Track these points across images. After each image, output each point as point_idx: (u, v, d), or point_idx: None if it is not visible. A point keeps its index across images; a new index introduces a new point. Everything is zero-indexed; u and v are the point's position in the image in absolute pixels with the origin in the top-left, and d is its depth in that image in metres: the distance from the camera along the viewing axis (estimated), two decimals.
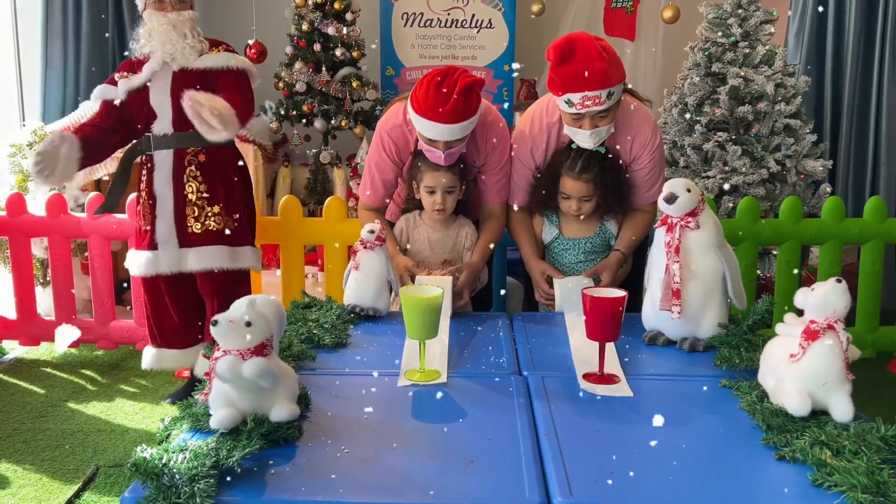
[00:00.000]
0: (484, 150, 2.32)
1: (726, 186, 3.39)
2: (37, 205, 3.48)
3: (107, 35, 4.38)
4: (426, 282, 2.17)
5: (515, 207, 2.39)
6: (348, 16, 4.47)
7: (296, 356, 1.67)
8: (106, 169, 3.92)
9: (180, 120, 2.71)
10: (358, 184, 4.34)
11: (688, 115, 3.85)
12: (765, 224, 3.15)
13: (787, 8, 4.39)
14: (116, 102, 2.76)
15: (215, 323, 1.24)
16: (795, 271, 3.53)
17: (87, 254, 3.54)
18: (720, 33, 3.80)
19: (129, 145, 2.85)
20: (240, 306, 1.28)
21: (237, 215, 2.84)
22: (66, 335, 3.12)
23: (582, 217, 2.29)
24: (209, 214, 2.79)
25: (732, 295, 1.82)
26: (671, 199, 1.78)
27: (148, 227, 2.79)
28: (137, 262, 2.82)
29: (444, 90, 2.07)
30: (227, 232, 2.80)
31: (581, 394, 1.53)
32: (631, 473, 1.19)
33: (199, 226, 2.78)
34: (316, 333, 1.82)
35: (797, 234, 3.15)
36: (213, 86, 2.73)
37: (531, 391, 1.54)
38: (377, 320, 2.06)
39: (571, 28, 4.71)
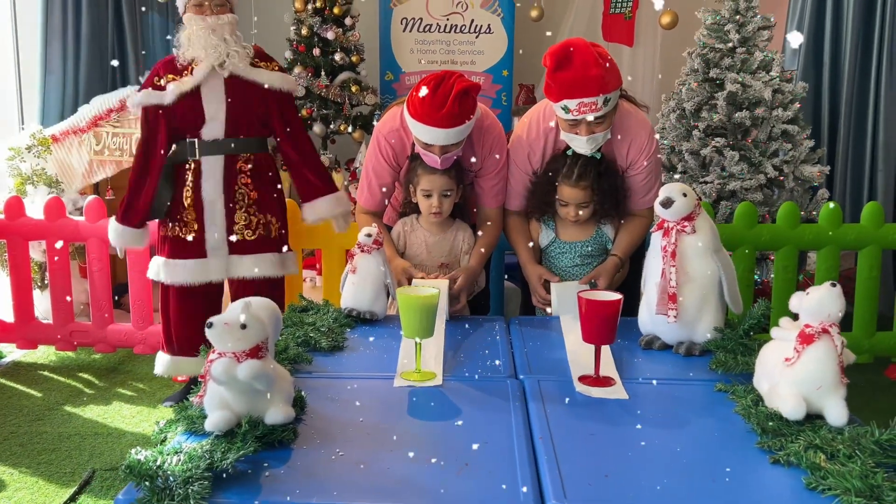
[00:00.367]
0: (481, 154, 2.32)
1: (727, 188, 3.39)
2: (35, 208, 3.49)
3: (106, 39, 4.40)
4: (423, 283, 2.18)
5: (512, 212, 2.40)
6: (347, 20, 4.49)
7: (292, 359, 1.67)
8: (105, 172, 3.93)
9: (234, 125, 2.72)
10: (356, 188, 4.34)
11: (685, 121, 3.85)
12: (762, 229, 3.15)
13: (784, 14, 4.40)
14: (166, 102, 2.72)
15: (210, 325, 1.24)
16: (802, 278, 3.55)
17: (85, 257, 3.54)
18: (718, 39, 3.81)
19: (172, 151, 2.81)
20: (235, 309, 1.28)
21: (281, 223, 2.86)
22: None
23: (579, 222, 2.29)
24: (261, 222, 2.78)
25: (728, 299, 1.83)
26: (667, 204, 1.79)
27: (192, 235, 2.75)
28: (182, 270, 2.76)
29: (440, 94, 2.08)
30: (277, 239, 2.82)
31: (576, 396, 1.53)
32: (625, 476, 1.19)
33: (250, 233, 2.77)
34: (312, 336, 1.83)
35: (794, 239, 3.16)
36: (266, 102, 2.78)
37: (527, 394, 1.55)
38: (374, 324, 2.07)
39: (570, 33, 4.73)
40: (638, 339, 1.89)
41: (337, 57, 4.43)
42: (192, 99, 2.71)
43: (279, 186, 2.88)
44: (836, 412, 1.32)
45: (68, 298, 3.37)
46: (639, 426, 1.39)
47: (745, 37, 3.79)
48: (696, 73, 3.86)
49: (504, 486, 1.16)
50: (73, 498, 2.28)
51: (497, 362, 1.75)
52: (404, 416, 1.45)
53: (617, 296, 1.62)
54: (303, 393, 1.44)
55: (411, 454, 1.26)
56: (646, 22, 4.61)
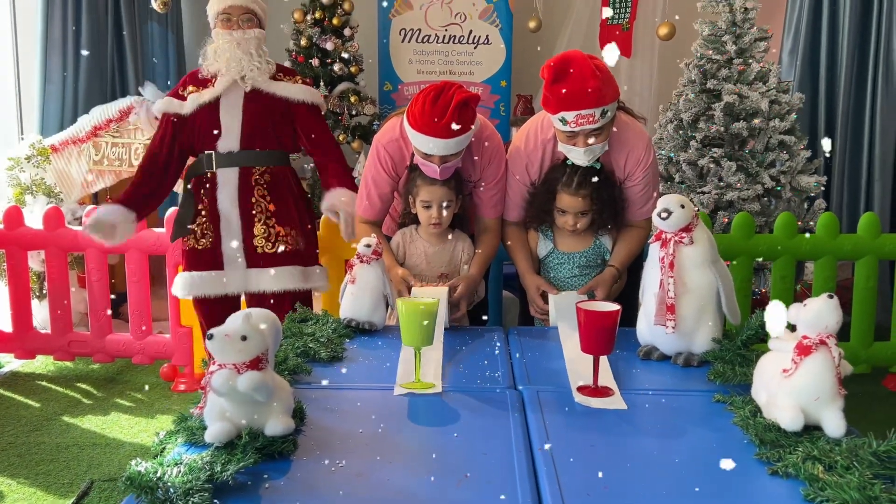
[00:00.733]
0: (480, 164, 2.34)
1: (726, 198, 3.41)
2: (34, 218, 3.49)
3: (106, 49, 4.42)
4: (422, 292, 2.19)
5: (511, 222, 2.41)
6: (347, 31, 4.51)
7: (291, 370, 1.67)
8: (103, 182, 3.95)
9: (249, 138, 2.71)
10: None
11: (683, 131, 3.87)
12: (759, 239, 3.17)
13: (781, 25, 4.43)
14: (183, 112, 2.73)
15: (211, 337, 1.24)
16: (799, 287, 3.56)
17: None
18: (715, 50, 3.84)
19: (190, 164, 2.81)
20: (235, 320, 1.28)
21: (304, 235, 2.81)
22: None
23: (578, 232, 2.30)
24: (280, 234, 2.75)
25: (726, 310, 1.83)
26: (665, 215, 1.79)
27: (209, 247, 2.73)
28: (197, 283, 2.73)
29: (440, 105, 2.09)
30: (298, 252, 2.77)
31: (575, 407, 1.54)
32: (624, 487, 1.19)
33: (269, 245, 2.74)
34: (312, 347, 1.83)
35: (792, 249, 3.17)
36: (289, 115, 2.76)
37: (526, 405, 1.55)
38: (373, 334, 2.07)
39: (568, 44, 4.76)
40: (636, 349, 1.89)
41: (336, 67, 4.45)
42: (210, 111, 2.72)
43: (300, 200, 2.85)
44: (833, 423, 1.32)
45: (64, 303, 3.37)
46: (637, 437, 1.40)
47: (742, 48, 3.82)
48: (694, 84, 3.88)
49: (503, 497, 1.16)
50: None
51: (497, 374, 1.75)
52: (404, 426, 1.45)
53: (615, 306, 1.63)
54: (302, 404, 1.45)
55: (411, 465, 1.26)
56: (643, 33, 4.63)
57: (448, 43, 4.80)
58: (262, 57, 2.75)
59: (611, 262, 2.34)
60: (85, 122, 3.92)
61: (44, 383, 3.34)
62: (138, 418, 2.95)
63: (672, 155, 3.89)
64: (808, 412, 1.34)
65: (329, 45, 4.45)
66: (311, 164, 4.54)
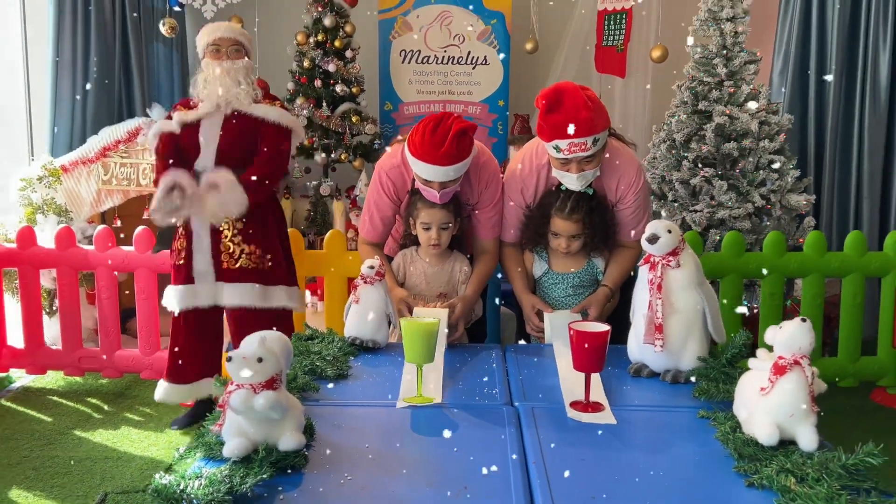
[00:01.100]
0: (477, 188, 2.44)
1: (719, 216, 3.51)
2: (45, 236, 3.59)
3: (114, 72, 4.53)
4: (423, 313, 2.29)
5: (507, 243, 2.52)
6: (348, 53, 4.63)
7: (301, 388, 1.77)
8: (112, 201, 4.05)
9: (222, 158, 2.84)
10: (356, 215, 4.47)
11: (676, 151, 3.98)
12: (749, 258, 3.27)
13: (771, 48, 4.55)
14: (171, 130, 2.89)
15: (230, 359, 1.34)
16: (789, 303, 3.66)
17: (94, 284, 3.65)
18: (706, 73, 3.96)
19: None
20: (251, 344, 1.38)
21: (271, 255, 2.93)
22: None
23: (571, 253, 2.41)
24: (244, 252, 2.88)
25: (712, 330, 1.93)
26: (653, 240, 1.90)
27: (183, 262, 2.89)
28: (177, 296, 2.89)
29: (439, 135, 2.20)
30: (262, 270, 2.89)
31: (568, 422, 1.63)
32: (612, 498, 1.29)
33: (233, 262, 2.87)
34: (319, 365, 1.92)
35: (780, 267, 3.27)
36: (259, 134, 2.89)
37: (521, 420, 1.65)
38: (376, 352, 2.17)
39: (564, 65, 4.87)
40: (627, 366, 1.99)
41: (338, 88, 4.56)
42: (192, 131, 2.87)
43: (273, 220, 2.96)
44: (807, 438, 1.42)
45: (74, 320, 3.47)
46: (626, 451, 1.50)
47: (733, 70, 3.94)
48: (686, 105, 3.99)
49: None
50: None
51: (494, 390, 1.85)
52: (407, 442, 1.55)
53: (605, 327, 1.73)
54: (312, 420, 1.54)
55: (413, 478, 1.36)
56: (637, 55, 4.75)
57: (447, 64, 4.92)
58: (249, 85, 2.90)
59: (604, 282, 2.44)
60: (94, 143, 4.03)
61: (55, 398, 3.42)
62: (148, 432, 3.04)
63: (665, 174, 4.00)
64: (783, 428, 1.44)
65: (331, 67, 4.56)
66: (314, 184, 4.66)
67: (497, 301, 3.31)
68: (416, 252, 2.51)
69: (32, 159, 4.28)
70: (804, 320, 1.46)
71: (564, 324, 2.05)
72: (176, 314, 2.93)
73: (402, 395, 1.77)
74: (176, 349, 2.99)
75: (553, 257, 2.47)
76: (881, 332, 3.40)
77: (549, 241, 2.42)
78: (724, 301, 3.25)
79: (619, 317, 2.43)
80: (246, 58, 2.94)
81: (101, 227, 3.47)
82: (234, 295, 2.86)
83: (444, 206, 2.39)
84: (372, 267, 2.20)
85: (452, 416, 1.68)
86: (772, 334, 1.49)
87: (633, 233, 2.42)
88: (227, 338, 3.13)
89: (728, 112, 3.84)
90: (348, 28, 4.64)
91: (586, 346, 1.68)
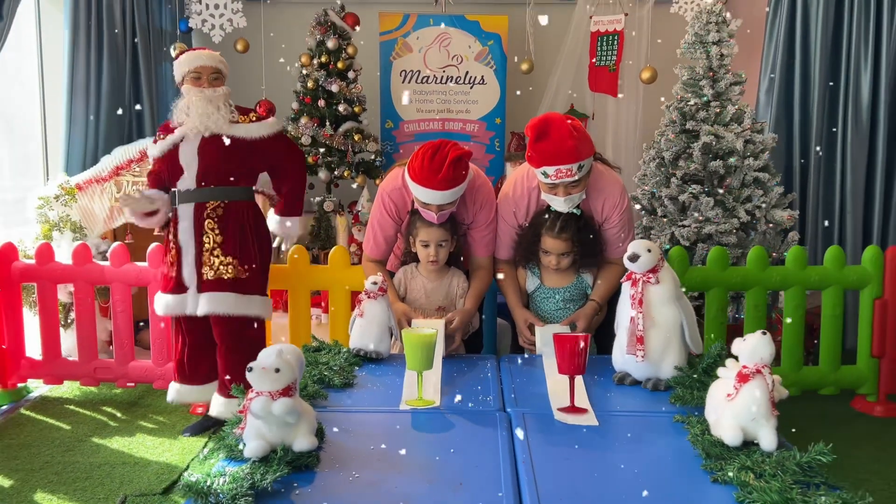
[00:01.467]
0: (472, 209, 2.62)
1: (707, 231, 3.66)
2: (61, 252, 3.76)
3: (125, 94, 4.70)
4: (421, 324, 2.46)
5: (501, 261, 2.69)
6: (350, 74, 4.80)
7: (311, 395, 1.93)
8: (124, 218, 4.22)
9: (203, 176, 3.05)
10: (359, 230, 4.64)
11: (664, 169, 4.15)
12: (733, 271, 3.43)
13: (757, 69, 4.72)
14: (154, 154, 3.16)
15: (250, 369, 1.51)
16: (774, 315, 3.82)
17: (107, 297, 3.81)
18: (693, 94, 4.13)
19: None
20: (269, 355, 1.55)
21: (248, 265, 3.10)
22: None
23: (561, 270, 2.58)
24: (223, 263, 3.06)
25: (689, 341, 2.10)
26: (634, 258, 2.07)
27: (174, 274, 3.10)
28: (164, 304, 3.13)
29: (437, 161, 2.38)
30: (238, 280, 3.06)
31: (555, 425, 1.80)
32: (592, 493, 1.45)
33: (212, 273, 3.06)
34: (326, 375, 2.09)
35: (763, 280, 3.43)
36: (251, 151, 3.09)
37: (513, 425, 1.81)
38: (380, 362, 2.34)
39: (558, 85, 5.04)
40: (612, 375, 2.16)
41: (341, 108, 4.74)
42: (172, 154, 3.08)
43: (252, 233, 3.13)
44: (767, 439, 1.58)
45: (90, 332, 3.63)
46: (606, 451, 1.66)
47: (719, 91, 4.11)
48: (674, 125, 4.17)
49: (491, 502, 1.42)
50: None
51: (489, 397, 2.01)
52: (409, 444, 1.71)
53: (584, 334, 1.92)
54: (322, 425, 1.71)
55: (415, 475, 1.52)
56: (628, 75, 4.92)
57: (446, 83, 5.09)
58: (227, 109, 3.10)
59: (592, 297, 2.61)
60: (107, 163, 4.20)
61: (71, 407, 3.58)
62: (162, 439, 3.19)
63: (655, 190, 4.17)
64: (747, 430, 1.60)
65: (334, 87, 4.74)
66: (318, 200, 4.83)
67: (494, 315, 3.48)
68: (416, 268, 2.68)
69: (48, 178, 4.45)
70: (764, 333, 1.62)
71: None
72: (162, 321, 3.24)
73: (404, 399, 1.95)
74: (180, 352, 3.22)
75: (544, 273, 2.64)
76: (860, 342, 3.55)
77: (541, 259, 2.59)
78: (706, 313, 3.42)
79: (607, 330, 2.61)
80: (224, 85, 3.12)
81: (115, 243, 3.64)
82: (213, 304, 3.04)
83: (442, 225, 2.56)
84: (375, 283, 2.37)
85: (450, 420, 1.84)
86: (737, 346, 1.65)
87: (620, 249, 2.59)
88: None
89: (714, 131, 4.01)
90: (350, 50, 4.81)
91: (567, 351, 1.86)
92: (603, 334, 2.67)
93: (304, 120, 4.73)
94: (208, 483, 1.42)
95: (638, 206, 4.26)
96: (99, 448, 3.09)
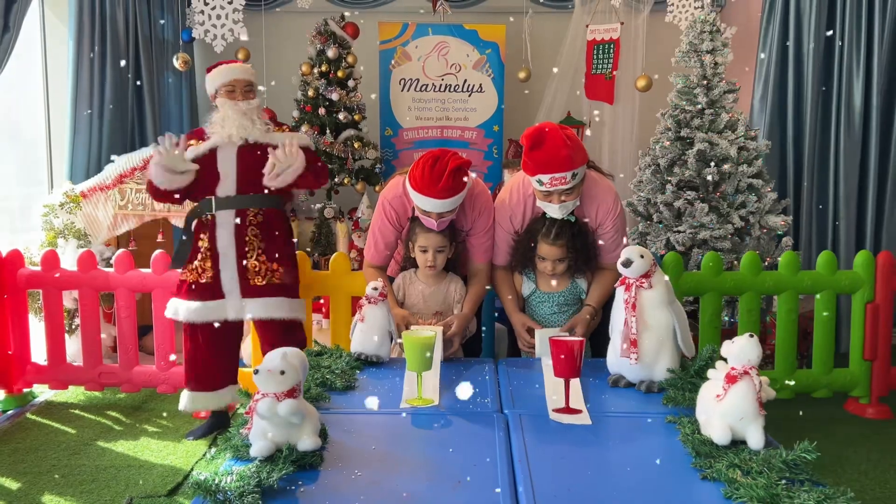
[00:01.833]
0: (471, 216, 2.68)
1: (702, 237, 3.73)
2: (66, 259, 3.82)
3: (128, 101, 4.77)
4: (422, 330, 2.51)
5: (498, 266, 2.75)
6: (350, 82, 4.87)
7: (314, 398, 1.99)
8: (128, 225, 4.28)
9: (243, 184, 3.08)
10: (359, 236, 4.70)
11: (660, 175, 4.22)
12: (727, 276, 3.49)
13: (751, 77, 4.79)
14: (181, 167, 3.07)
15: (257, 372, 1.57)
16: (768, 319, 3.87)
17: (111, 303, 3.87)
18: (688, 101, 4.20)
19: (192, 208, 3.18)
20: (274, 358, 1.61)
21: (290, 270, 3.17)
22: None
23: (556, 275, 2.64)
24: (269, 269, 3.11)
25: (681, 344, 2.15)
26: (627, 264, 2.13)
27: (210, 279, 3.10)
28: (195, 310, 3.10)
29: (437, 171, 2.44)
30: (284, 285, 3.12)
31: (551, 425, 1.85)
32: (585, 490, 1.51)
33: (259, 278, 3.10)
34: (329, 378, 2.15)
35: (756, 285, 3.49)
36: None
37: (510, 426, 1.87)
38: (380, 365, 2.39)
39: (555, 93, 5.11)
40: (607, 377, 2.22)
41: (341, 116, 4.80)
42: (208, 161, 3.09)
43: (288, 240, 3.21)
44: (755, 438, 1.64)
45: (95, 338, 3.68)
46: (600, 451, 1.72)
47: (713, 99, 4.18)
48: (669, 132, 4.23)
49: (488, 500, 1.48)
50: None
51: (487, 399, 2.07)
52: (409, 444, 1.77)
53: (580, 339, 1.98)
54: (325, 426, 1.76)
55: (415, 474, 1.57)
56: (624, 83, 4.99)
57: (444, 91, 5.17)
58: (260, 120, 3.14)
59: (587, 302, 2.67)
60: (111, 170, 4.26)
61: (76, 411, 3.63)
62: (166, 442, 3.24)
63: (650, 197, 4.23)
64: (735, 429, 1.66)
65: (334, 96, 4.80)
66: (318, 206, 4.89)
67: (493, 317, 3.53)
68: (415, 274, 2.74)
69: (52, 186, 4.51)
70: (752, 336, 1.68)
71: None
72: (186, 326, 3.17)
73: (404, 398, 2.01)
74: (194, 359, 3.20)
75: (540, 278, 2.70)
76: (853, 346, 3.61)
77: (537, 264, 2.66)
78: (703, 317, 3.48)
79: (602, 334, 2.67)
80: (255, 96, 3.17)
81: (120, 250, 3.69)
82: (262, 308, 3.09)
83: (440, 231, 2.62)
84: (376, 288, 2.43)
85: (449, 421, 1.90)
86: (726, 348, 1.71)
87: (613, 255, 2.66)
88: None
89: (709, 138, 4.08)
90: (350, 59, 4.88)
91: (562, 355, 1.92)
92: (597, 339, 2.73)
93: (304, 128, 4.79)
94: (216, 481, 1.47)
95: (634, 213, 4.33)
96: (104, 451, 3.15)
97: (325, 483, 1.54)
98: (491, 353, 3.45)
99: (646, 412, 1.98)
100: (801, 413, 3.44)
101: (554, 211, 2.54)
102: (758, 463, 1.55)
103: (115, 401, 3.78)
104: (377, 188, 4.82)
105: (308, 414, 1.64)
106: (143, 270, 3.60)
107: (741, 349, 1.67)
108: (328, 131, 4.81)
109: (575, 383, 2.02)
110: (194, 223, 3.18)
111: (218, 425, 3.31)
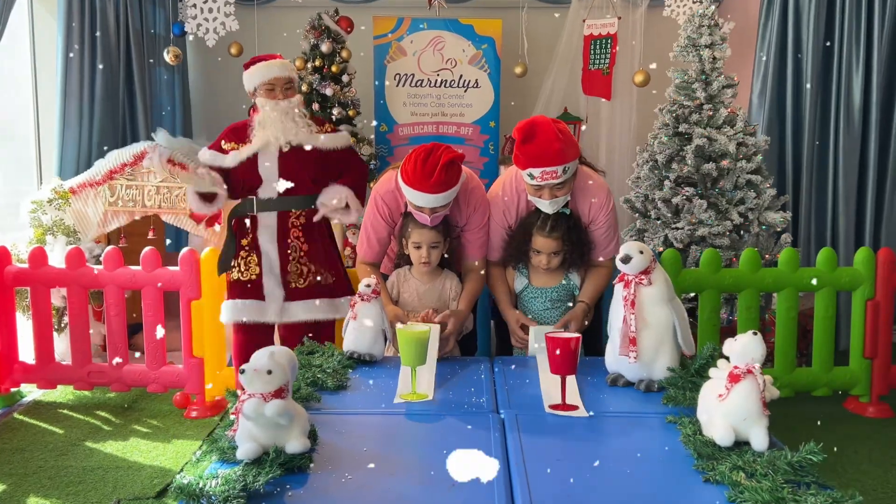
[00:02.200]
0: (466, 212, 2.63)
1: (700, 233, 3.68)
2: (55, 256, 3.75)
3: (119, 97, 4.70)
4: (417, 327, 2.46)
5: (491, 262, 2.70)
6: (344, 77, 4.81)
7: (304, 398, 1.93)
8: (118, 221, 4.22)
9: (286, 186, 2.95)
10: (353, 234, 4.64)
11: (658, 171, 4.17)
12: (726, 273, 3.44)
13: (749, 72, 4.75)
14: (226, 165, 3.01)
15: (243, 371, 1.51)
16: (767, 317, 3.83)
17: (101, 301, 3.81)
18: (686, 97, 4.15)
19: (232, 208, 3.09)
20: (261, 357, 1.55)
21: (334, 271, 3.10)
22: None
23: (550, 269, 2.59)
24: (312, 271, 3.04)
25: (681, 342, 2.10)
26: (626, 260, 2.07)
27: (253, 279, 3.02)
28: (239, 309, 3.02)
29: (430, 165, 2.39)
30: (328, 286, 3.06)
31: (547, 424, 1.80)
32: (583, 493, 1.46)
33: (302, 281, 3.03)
34: (320, 377, 2.09)
35: (755, 282, 3.44)
36: (322, 162, 3.02)
37: (506, 426, 1.81)
38: (373, 365, 2.34)
39: (552, 88, 5.06)
40: (605, 376, 2.17)
41: (335, 111, 4.74)
42: (250, 163, 3.00)
43: (331, 240, 3.15)
44: (758, 439, 1.59)
45: (83, 336, 3.62)
46: (599, 452, 1.66)
47: (711, 94, 4.13)
48: (667, 128, 4.18)
49: (483, 502, 1.42)
50: None
51: (482, 399, 2.02)
52: (402, 446, 1.71)
53: (576, 335, 1.94)
54: (315, 427, 1.71)
55: (407, 477, 1.52)
56: (622, 78, 4.94)
57: (440, 87, 5.10)
58: (304, 119, 3.04)
59: (581, 298, 2.63)
60: (101, 166, 4.20)
61: (65, 411, 3.57)
62: (156, 443, 3.19)
63: (648, 193, 4.18)
64: (738, 430, 1.61)
65: (328, 91, 4.74)
66: None
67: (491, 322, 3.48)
68: (409, 271, 2.69)
69: (41, 181, 4.45)
70: (755, 333, 1.63)
71: None
72: (235, 327, 3.09)
73: (399, 393, 1.96)
74: (242, 361, 3.11)
75: (533, 273, 2.66)
76: (853, 343, 3.57)
77: (531, 258, 2.61)
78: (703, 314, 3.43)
79: (596, 332, 2.63)
80: (297, 94, 3.08)
81: (109, 247, 3.63)
82: (305, 310, 3.02)
83: (434, 227, 2.57)
84: (368, 286, 2.37)
85: (443, 422, 1.84)
86: (728, 346, 1.66)
87: (606, 251, 2.61)
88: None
89: (707, 134, 4.03)
90: (345, 53, 4.82)
91: (559, 352, 1.88)
92: (589, 337, 2.68)
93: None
94: (200, 485, 1.41)
95: (631, 209, 4.28)
96: (92, 452, 3.09)
97: (313, 487, 1.49)
98: (487, 352, 3.40)
99: (645, 412, 1.93)
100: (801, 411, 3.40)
101: (545, 206, 2.51)
102: (762, 465, 1.49)
103: (105, 400, 3.72)
104: (372, 184, 4.76)
105: (297, 415, 1.58)
106: (133, 268, 3.54)
107: (744, 347, 1.62)
108: None
109: (571, 380, 1.98)
110: (234, 222, 3.09)
111: None
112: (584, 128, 4.97)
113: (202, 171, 2.91)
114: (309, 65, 4.79)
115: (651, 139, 4.24)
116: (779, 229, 4.08)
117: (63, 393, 3.78)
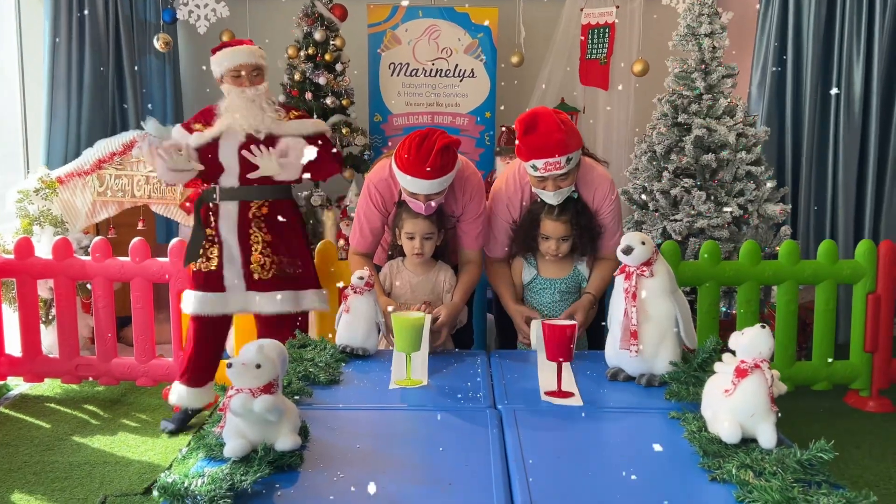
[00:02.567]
0: (462, 200, 2.57)
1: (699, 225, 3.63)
2: (42, 247, 3.67)
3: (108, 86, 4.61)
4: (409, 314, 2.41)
5: (494, 259, 2.64)
6: (338, 66, 4.72)
7: (295, 393, 1.87)
8: (107, 212, 4.14)
9: (246, 175, 2.91)
10: (347, 225, 4.57)
11: (656, 162, 4.11)
12: (725, 266, 3.39)
13: (749, 62, 4.68)
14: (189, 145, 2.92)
15: (230, 366, 1.44)
16: (766, 310, 3.78)
17: (89, 293, 3.73)
18: (685, 86, 4.09)
19: (199, 195, 3.03)
20: (250, 351, 1.48)
21: (299, 261, 3.02)
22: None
23: (560, 256, 2.53)
24: (275, 262, 2.96)
25: (684, 335, 2.05)
26: (628, 251, 2.02)
27: (214, 268, 2.95)
28: (200, 301, 2.96)
29: (424, 150, 2.33)
30: (290, 277, 2.98)
31: (546, 423, 1.74)
32: (584, 491, 1.40)
33: (264, 272, 2.96)
34: (312, 372, 2.03)
35: (755, 275, 3.39)
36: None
37: (503, 422, 1.75)
38: (366, 358, 2.27)
39: (549, 78, 4.99)
40: (605, 371, 2.11)
41: (328, 101, 4.66)
42: (211, 149, 2.92)
43: (298, 230, 3.06)
44: (766, 436, 1.53)
45: (71, 328, 3.54)
46: (600, 449, 1.61)
47: (711, 84, 4.07)
48: (666, 118, 4.12)
49: (481, 502, 1.36)
50: None
51: (479, 394, 1.96)
52: (397, 443, 1.65)
53: (571, 322, 1.94)
54: (306, 423, 1.64)
55: (402, 476, 1.46)
56: (620, 68, 4.87)
57: (435, 76, 5.03)
58: (271, 107, 2.96)
59: (587, 290, 2.57)
60: (90, 155, 4.12)
61: (52, 405, 3.50)
62: (144, 437, 3.12)
63: (646, 184, 4.12)
64: (745, 427, 1.55)
65: (322, 80, 4.66)
66: (305, 194, 4.76)
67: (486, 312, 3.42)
68: (402, 262, 2.62)
69: (28, 171, 4.36)
70: (763, 326, 1.57)
71: None
72: (192, 318, 3.03)
73: (393, 379, 1.93)
74: (197, 354, 3.07)
75: (541, 264, 2.60)
76: (853, 337, 3.52)
77: (540, 246, 2.55)
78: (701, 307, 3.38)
79: (598, 326, 2.57)
80: (264, 81, 2.99)
81: (97, 238, 3.56)
82: (267, 303, 2.95)
83: (428, 217, 2.50)
84: (361, 278, 2.31)
85: (439, 418, 1.78)
86: (735, 340, 1.60)
87: (611, 243, 2.55)
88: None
89: (706, 124, 3.97)
90: (338, 42, 4.73)
91: (555, 337, 1.85)
92: (593, 331, 2.63)
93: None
94: (185, 484, 1.35)
95: (629, 201, 4.22)
96: (79, 447, 3.02)
97: (304, 485, 1.43)
98: (483, 345, 3.34)
99: (647, 408, 1.87)
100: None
101: (549, 198, 2.46)
102: (770, 463, 1.44)
103: (93, 394, 3.65)
104: (365, 175, 4.69)
105: (287, 410, 1.52)
106: (122, 259, 3.47)
107: (752, 341, 1.56)
108: (315, 116, 4.66)
109: (567, 367, 1.95)
110: (201, 210, 3.02)
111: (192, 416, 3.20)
112: (581, 118, 4.90)
113: (170, 147, 2.83)
114: (302, 53, 4.70)
115: (649, 130, 4.18)
116: (778, 221, 4.03)
117: (50, 386, 3.71)
